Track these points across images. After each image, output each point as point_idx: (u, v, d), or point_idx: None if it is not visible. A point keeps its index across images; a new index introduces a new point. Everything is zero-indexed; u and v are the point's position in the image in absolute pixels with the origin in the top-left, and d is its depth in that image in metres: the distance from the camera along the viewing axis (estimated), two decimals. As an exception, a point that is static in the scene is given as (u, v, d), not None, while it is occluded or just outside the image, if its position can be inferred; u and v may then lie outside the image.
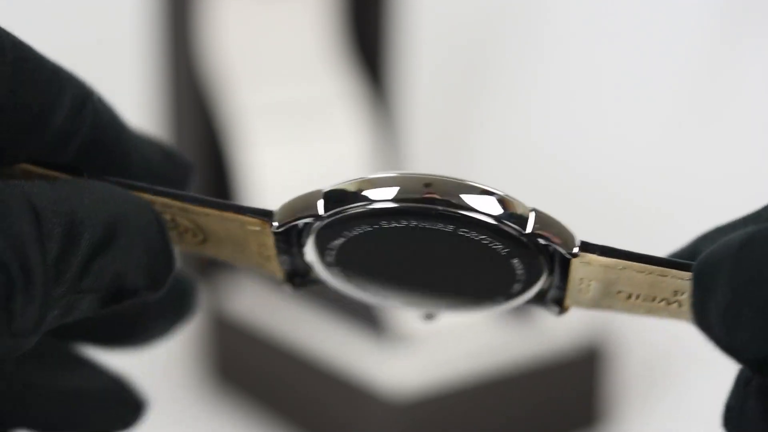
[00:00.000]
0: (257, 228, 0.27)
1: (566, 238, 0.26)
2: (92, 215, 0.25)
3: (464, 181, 0.25)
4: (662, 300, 0.27)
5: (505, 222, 0.25)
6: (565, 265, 0.27)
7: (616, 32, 0.89)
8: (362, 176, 0.26)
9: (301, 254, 0.28)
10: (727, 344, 0.24)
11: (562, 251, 0.26)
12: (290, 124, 0.80)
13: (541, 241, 0.26)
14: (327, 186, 0.26)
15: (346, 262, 0.28)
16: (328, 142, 0.81)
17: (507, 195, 0.26)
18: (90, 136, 0.26)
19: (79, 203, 0.25)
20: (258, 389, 0.74)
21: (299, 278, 0.29)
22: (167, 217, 0.28)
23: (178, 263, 0.28)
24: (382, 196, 0.25)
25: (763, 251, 0.23)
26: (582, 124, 0.90)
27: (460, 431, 0.68)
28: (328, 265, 0.28)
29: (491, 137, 0.92)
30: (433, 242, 0.26)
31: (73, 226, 0.24)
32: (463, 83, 0.95)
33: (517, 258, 0.26)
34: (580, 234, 0.28)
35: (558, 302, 0.28)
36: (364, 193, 0.25)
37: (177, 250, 0.28)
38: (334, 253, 0.27)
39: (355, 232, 0.26)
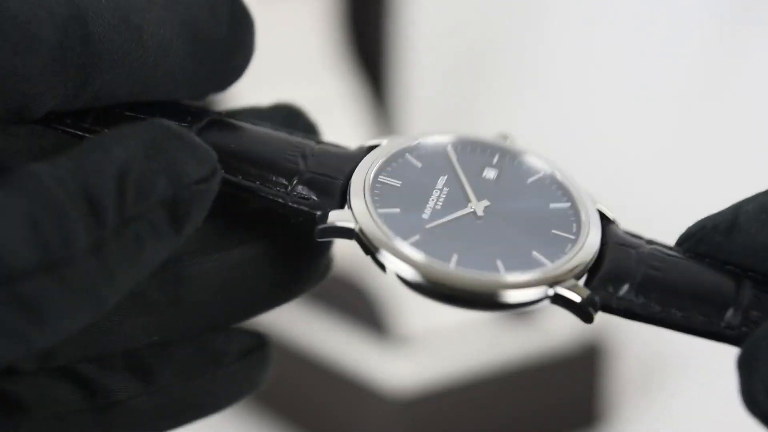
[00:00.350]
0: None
1: (584, 317, 0.28)
2: (105, 158, 0.26)
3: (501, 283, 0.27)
4: None
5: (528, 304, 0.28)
6: None
7: (616, 30, 0.89)
8: (388, 242, 0.28)
9: None
10: None
11: (582, 321, 0.28)
12: (291, 125, 0.80)
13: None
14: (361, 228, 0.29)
15: None
16: (329, 143, 0.81)
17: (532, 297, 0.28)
18: (101, 34, 0.27)
19: (90, 164, 0.25)
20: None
21: None
22: None
23: None
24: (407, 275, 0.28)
25: None
26: (582, 125, 0.90)
27: (460, 430, 0.69)
28: None
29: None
30: None
31: (89, 183, 0.25)
32: (463, 84, 0.95)
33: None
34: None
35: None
36: (381, 259, 0.28)
37: None
38: None
39: None
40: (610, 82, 0.90)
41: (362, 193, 0.29)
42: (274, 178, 0.29)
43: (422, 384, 0.66)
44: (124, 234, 0.25)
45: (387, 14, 0.85)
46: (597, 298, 0.27)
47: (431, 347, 0.67)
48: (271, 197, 0.29)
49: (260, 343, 0.30)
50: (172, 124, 0.27)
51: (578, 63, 0.91)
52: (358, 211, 0.28)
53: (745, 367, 0.25)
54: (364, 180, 0.29)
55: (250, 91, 0.80)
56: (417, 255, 0.27)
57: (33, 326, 0.24)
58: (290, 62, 0.82)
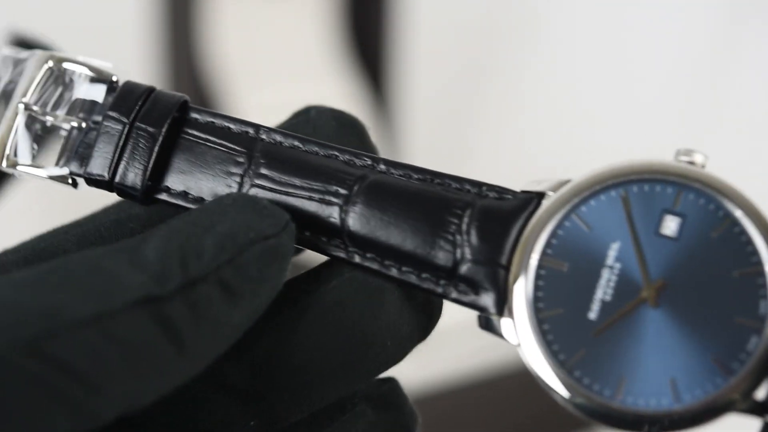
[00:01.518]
0: None
1: None
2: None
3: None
4: None
5: None
6: None
7: (616, 31, 0.89)
8: None
9: None
10: None
11: None
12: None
13: None
14: None
15: None
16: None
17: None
18: None
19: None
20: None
21: None
22: None
23: None
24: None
25: None
26: (582, 124, 0.90)
27: (460, 431, 0.68)
28: None
29: (490, 137, 0.92)
30: None
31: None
32: (462, 84, 0.95)
33: None
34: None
35: None
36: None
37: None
38: None
39: None
40: (612, 76, 0.90)
41: (524, 291, 0.27)
42: (429, 275, 0.28)
43: (421, 385, 0.66)
44: (191, 296, 0.24)
45: (387, 14, 0.85)
46: None
47: (431, 348, 0.67)
48: (428, 288, 0.28)
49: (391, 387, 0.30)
50: (239, 194, 0.27)
51: (579, 62, 0.91)
52: (519, 323, 0.27)
53: None
54: (528, 267, 0.27)
55: (250, 90, 0.80)
56: (579, 395, 0.27)
57: (82, 391, 0.22)
58: (290, 62, 0.82)
